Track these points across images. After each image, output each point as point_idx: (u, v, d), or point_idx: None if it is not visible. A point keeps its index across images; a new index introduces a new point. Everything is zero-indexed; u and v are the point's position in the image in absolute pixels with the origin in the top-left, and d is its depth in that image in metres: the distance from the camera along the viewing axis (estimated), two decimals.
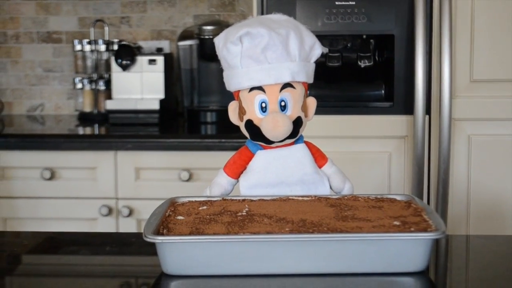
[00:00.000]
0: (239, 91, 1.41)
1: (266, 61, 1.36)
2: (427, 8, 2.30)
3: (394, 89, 2.37)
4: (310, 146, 1.45)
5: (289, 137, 1.39)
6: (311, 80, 1.43)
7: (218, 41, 1.41)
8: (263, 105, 1.38)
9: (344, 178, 1.45)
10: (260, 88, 1.37)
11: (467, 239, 1.53)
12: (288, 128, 1.36)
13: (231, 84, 1.42)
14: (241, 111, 1.41)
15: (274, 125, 1.35)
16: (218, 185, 1.44)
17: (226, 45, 1.37)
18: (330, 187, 1.44)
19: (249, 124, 1.39)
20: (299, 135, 1.41)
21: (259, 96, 1.38)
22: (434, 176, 2.36)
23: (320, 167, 1.44)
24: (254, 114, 1.39)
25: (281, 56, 1.37)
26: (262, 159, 1.41)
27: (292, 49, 1.38)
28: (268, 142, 1.39)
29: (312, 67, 1.43)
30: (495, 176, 2.36)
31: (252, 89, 1.38)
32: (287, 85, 1.38)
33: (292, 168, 1.40)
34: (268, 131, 1.36)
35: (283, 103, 1.38)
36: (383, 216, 1.25)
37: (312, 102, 1.44)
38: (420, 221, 1.22)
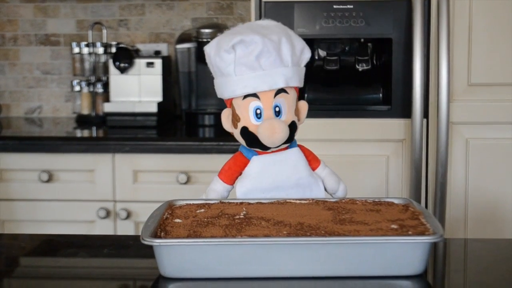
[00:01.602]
0: (232, 98, 1.41)
1: (260, 68, 1.37)
2: (425, 11, 2.30)
3: (392, 93, 2.37)
4: (303, 149, 1.45)
5: (284, 142, 1.39)
6: (302, 84, 1.44)
7: (210, 49, 1.41)
8: (258, 111, 1.38)
9: (337, 179, 1.46)
10: (254, 94, 1.38)
11: (465, 243, 1.53)
12: (285, 134, 1.37)
13: (224, 92, 1.42)
14: (235, 118, 1.41)
15: (272, 132, 1.36)
16: (214, 191, 1.44)
17: (219, 54, 1.38)
18: (325, 189, 1.45)
19: (245, 131, 1.39)
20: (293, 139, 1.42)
21: (253, 103, 1.38)
22: (432, 179, 2.35)
23: (313, 169, 1.45)
24: (249, 121, 1.39)
25: (275, 62, 1.37)
26: (258, 164, 1.41)
27: (284, 54, 1.38)
28: (265, 148, 1.39)
29: (303, 71, 1.44)
30: (493, 179, 2.36)
31: (246, 96, 1.38)
32: (280, 90, 1.38)
33: (288, 172, 1.41)
34: (265, 138, 1.36)
35: (277, 109, 1.39)
36: (380, 219, 1.25)
37: (304, 106, 1.44)
38: (418, 224, 1.22)
